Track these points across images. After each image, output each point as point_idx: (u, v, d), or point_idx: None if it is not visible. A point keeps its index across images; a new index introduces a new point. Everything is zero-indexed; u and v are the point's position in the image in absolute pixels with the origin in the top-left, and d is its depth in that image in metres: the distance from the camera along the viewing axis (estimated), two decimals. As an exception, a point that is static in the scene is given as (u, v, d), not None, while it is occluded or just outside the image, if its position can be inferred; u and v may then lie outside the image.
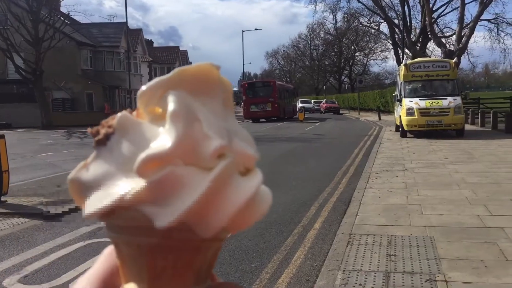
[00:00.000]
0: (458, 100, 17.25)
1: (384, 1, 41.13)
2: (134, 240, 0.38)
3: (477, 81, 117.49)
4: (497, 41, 41.18)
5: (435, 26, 36.37)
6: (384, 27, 54.65)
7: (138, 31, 49.25)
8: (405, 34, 34.72)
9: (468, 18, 35.01)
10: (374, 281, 4.16)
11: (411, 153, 13.12)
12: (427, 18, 32.92)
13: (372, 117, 37.24)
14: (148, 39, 58.68)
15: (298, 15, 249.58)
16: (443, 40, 35.82)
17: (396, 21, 41.67)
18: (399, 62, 33.29)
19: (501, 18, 37.67)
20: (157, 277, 0.38)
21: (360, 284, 4.11)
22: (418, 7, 40.06)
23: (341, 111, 53.33)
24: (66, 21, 34.16)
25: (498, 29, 38.46)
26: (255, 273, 4.65)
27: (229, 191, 0.36)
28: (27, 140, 22.03)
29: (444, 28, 43.46)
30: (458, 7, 33.64)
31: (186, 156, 0.35)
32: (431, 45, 40.05)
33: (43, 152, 16.25)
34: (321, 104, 56.66)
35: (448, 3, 39.33)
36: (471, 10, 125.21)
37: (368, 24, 53.80)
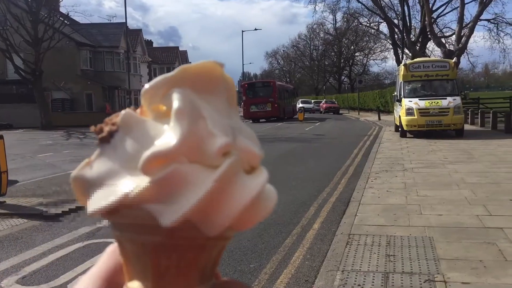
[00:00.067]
0: (457, 100, 17.25)
1: (384, 1, 41.19)
2: (138, 238, 0.38)
3: (477, 81, 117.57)
4: (497, 41, 41.15)
5: (434, 26, 36.41)
6: (383, 27, 54.73)
7: (138, 32, 49.23)
8: (404, 34, 34.73)
9: (467, 18, 35.08)
10: (373, 282, 4.15)
11: (411, 153, 13.11)
12: (426, 18, 32.92)
13: (372, 117, 37.24)
14: (147, 39, 58.70)
15: (297, 15, 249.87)
16: (443, 40, 35.83)
17: (395, 21, 41.74)
18: (398, 62, 33.29)
19: (500, 18, 37.77)
20: (161, 275, 0.38)
21: (359, 285, 4.10)
22: (418, 7, 40.16)
23: (340, 111, 53.37)
24: (66, 22, 34.16)
25: (497, 29, 38.57)
26: (254, 273, 4.64)
27: (235, 189, 0.36)
28: (27, 141, 22.02)
29: (444, 28, 43.60)
30: (458, 7, 33.65)
31: (191, 153, 0.35)
32: (430, 45, 40.15)
33: (43, 153, 16.24)
34: (321, 104, 56.71)
35: (447, 3, 39.44)
36: (471, 10, 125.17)
37: (368, 24, 53.90)
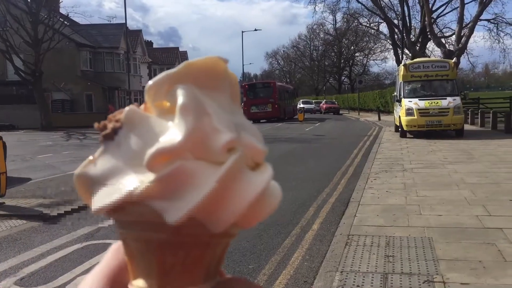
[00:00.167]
0: (457, 100, 17.24)
1: (384, 2, 41.20)
2: (143, 236, 0.37)
3: (477, 81, 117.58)
4: (497, 41, 41.12)
5: (434, 26, 36.41)
6: (383, 28, 54.84)
7: (138, 32, 49.22)
8: (404, 34, 34.74)
9: (467, 18, 35.09)
10: (372, 283, 4.14)
11: (411, 153, 13.10)
12: (426, 18, 32.92)
13: (372, 117, 37.24)
14: (147, 40, 58.73)
15: (297, 15, 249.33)
16: (443, 40, 35.83)
17: (395, 21, 41.74)
18: (398, 62, 33.28)
19: (500, 18, 37.76)
20: (166, 273, 0.38)
21: (357, 286, 4.10)
22: (418, 7, 40.17)
23: (341, 112, 53.38)
24: (66, 22, 34.17)
25: (497, 29, 38.57)
26: (253, 274, 4.63)
27: (240, 186, 0.36)
28: (27, 142, 22.01)
29: (444, 28, 43.62)
30: (458, 7, 33.63)
31: (196, 150, 0.35)
32: (430, 45, 40.15)
33: (42, 154, 16.24)
34: (321, 104, 56.72)
35: (447, 3, 39.44)
36: (471, 10, 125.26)
37: (368, 25, 53.89)
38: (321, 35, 77.84)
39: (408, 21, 39.31)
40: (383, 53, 69.83)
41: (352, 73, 75.08)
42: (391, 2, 43.26)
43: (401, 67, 18.78)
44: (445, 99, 17.22)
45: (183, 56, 64.17)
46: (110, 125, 0.38)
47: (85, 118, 34.23)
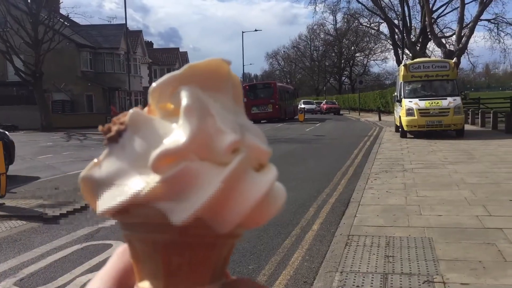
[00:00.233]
0: (458, 100, 17.23)
1: (384, 2, 41.19)
2: (148, 237, 0.38)
3: (478, 81, 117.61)
4: (497, 41, 41.23)
5: (435, 26, 36.40)
6: (384, 28, 54.76)
7: (138, 33, 49.23)
8: (405, 34, 34.73)
9: (468, 18, 35.05)
10: (372, 283, 4.13)
11: (411, 153, 13.09)
12: (427, 18, 32.91)
13: (372, 117, 37.22)
14: (148, 41, 58.68)
15: (298, 16, 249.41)
16: (443, 40, 35.83)
17: (396, 21, 41.72)
18: (399, 62, 33.25)
19: (501, 18, 37.73)
20: (172, 274, 0.38)
21: (357, 286, 4.09)
22: (418, 7, 40.18)
23: (341, 112, 53.37)
24: (66, 23, 34.19)
25: (498, 29, 38.53)
26: (252, 275, 4.63)
27: (245, 187, 0.36)
28: (27, 142, 22.00)
29: (444, 28, 43.60)
30: (458, 7, 33.64)
31: (200, 151, 0.35)
32: (431, 45, 40.15)
33: (43, 154, 16.24)
34: (322, 104, 56.71)
35: (448, 3, 39.42)
36: (471, 10, 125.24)
37: (368, 25, 53.88)
38: (322, 36, 77.95)
39: (408, 21, 39.32)
40: (383, 53, 69.93)
41: (352, 74, 75.07)
42: (391, 2, 43.32)
43: (402, 67, 18.77)
44: (446, 99, 17.21)
45: (184, 56, 64.22)
46: (114, 128, 0.38)
47: (85, 118, 34.27)
